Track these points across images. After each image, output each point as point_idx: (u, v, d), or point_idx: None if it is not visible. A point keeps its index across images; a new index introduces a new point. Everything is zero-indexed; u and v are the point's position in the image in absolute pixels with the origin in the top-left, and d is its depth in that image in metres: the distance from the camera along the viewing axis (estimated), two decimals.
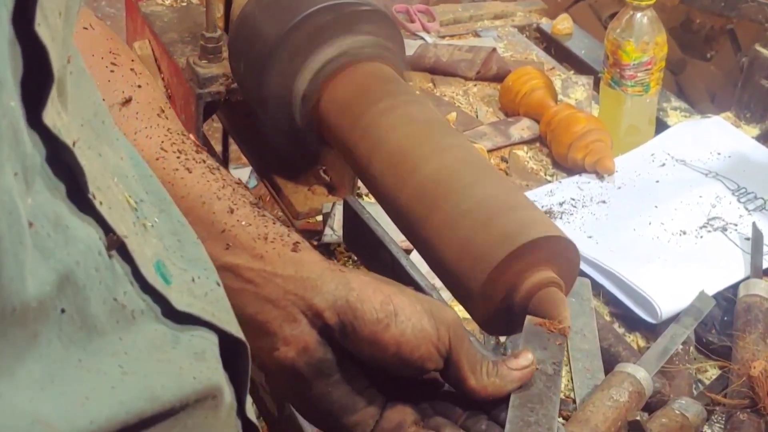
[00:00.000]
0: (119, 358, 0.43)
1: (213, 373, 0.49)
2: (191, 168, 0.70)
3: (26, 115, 0.37)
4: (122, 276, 0.44)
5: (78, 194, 0.42)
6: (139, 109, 0.73)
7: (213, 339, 0.50)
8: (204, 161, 0.71)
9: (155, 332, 0.46)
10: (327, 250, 1.27)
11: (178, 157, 0.71)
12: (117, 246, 0.44)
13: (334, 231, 1.21)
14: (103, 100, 0.52)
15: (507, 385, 0.67)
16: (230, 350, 0.52)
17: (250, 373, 0.54)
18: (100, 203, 0.43)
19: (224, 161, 1.69)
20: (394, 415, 0.66)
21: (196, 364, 0.47)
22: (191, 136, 0.74)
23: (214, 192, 0.69)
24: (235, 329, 0.53)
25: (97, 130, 0.48)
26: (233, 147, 1.68)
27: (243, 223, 0.67)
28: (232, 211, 0.67)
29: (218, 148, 1.74)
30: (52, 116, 0.39)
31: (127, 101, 0.72)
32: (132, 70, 0.76)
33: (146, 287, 0.46)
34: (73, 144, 0.41)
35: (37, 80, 0.37)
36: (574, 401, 1.04)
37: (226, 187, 0.69)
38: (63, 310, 0.40)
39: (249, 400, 0.55)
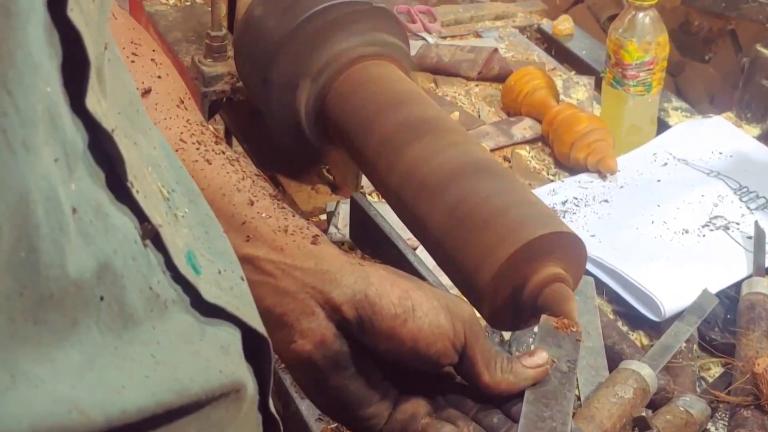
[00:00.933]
0: (152, 347, 0.43)
1: (237, 367, 0.49)
2: (211, 159, 0.70)
3: (69, 101, 0.37)
4: (156, 265, 0.44)
5: (116, 182, 0.42)
6: (158, 100, 0.73)
7: (236, 333, 0.50)
8: (223, 152, 0.71)
9: (185, 323, 0.46)
10: None
11: (198, 149, 0.70)
12: (152, 235, 0.44)
13: (339, 229, 1.21)
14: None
15: (521, 383, 0.67)
16: (253, 345, 0.52)
17: (273, 368, 0.54)
18: (137, 192, 0.43)
19: None
20: (408, 407, 0.67)
21: (222, 358, 0.47)
22: (210, 127, 0.74)
23: (234, 184, 0.68)
24: (258, 325, 0.53)
25: (132, 118, 0.48)
26: (236, 147, 1.68)
27: (263, 215, 0.67)
28: (252, 203, 0.67)
29: None
30: (93, 103, 0.39)
31: (147, 92, 0.72)
32: (153, 60, 0.75)
33: (177, 277, 0.46)
34: (112, 131, 0.41)
35: (77, 66, 0.37)
36: (579, 398, 1.05)
37: (245, 179, 0.69)
38: (102, 298, 0.40)
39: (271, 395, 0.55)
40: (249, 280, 0.59)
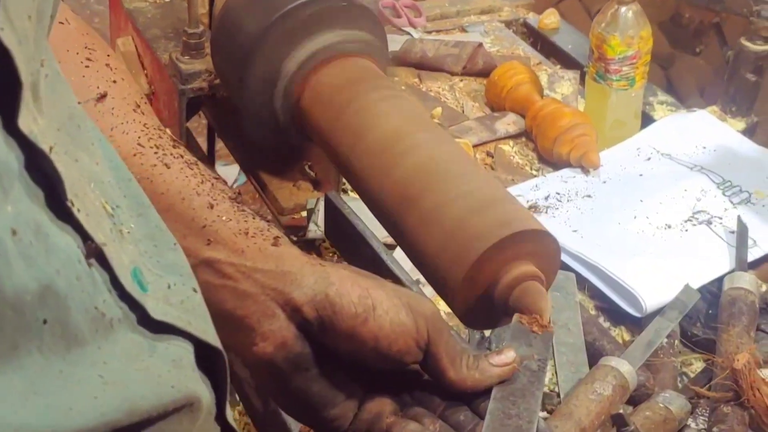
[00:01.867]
0: (99, 367, 0.42)
1: (190, 380, 0.48)
2: (169, 164, 0.69)
3: (2, 121, 0.36)
4: (101, 284, 0.43)
5: (56, 202, 0.41)
6: (114, 105, 0.72)
7: (188, 347, 0.49)
8: (182, 156, 0.71)
9: (132, 341, 0.46)
10: (311, 246, 1.27)
11: (156, 153, 0.70)
12: (96, 254, 0.43)
13: (318, 227, 1.21)
14: (78, 102, 0.51)
15: (486, 380, 0.67)
16: (209, 357, 0.52)
17: (228, 379, 0.53)
18: (78, 210, 0.42)
19: (210, 157, 1.69)
20: (373, 406, 0.66)
21: (174, 372, 0.47)
22: (168, 130, 0.74)
23: (194, 188, 0.68)
24: (212, 338, 0.52)
25: (73, 134, 0.47)
26: (220, 144, 1.67)
27: (223, 218, 0.67)
28: (212, 207, 0.67)
29: (204, 144, 1.74)
30: (27, 122, 0.38)
31: (102, 97, 0.72)
32: (107, 65, 0.75)
33: (123, 295, 0.45)
34: (50, 150, 0.40)
35: (7, 85, 0.36)
36: (558, 395, 1.04)
37: (205, 182, 0.69)
38: (45, 321, 0.39)
39: (228, 406, 0.55)
40: (210, 284, 0.59)
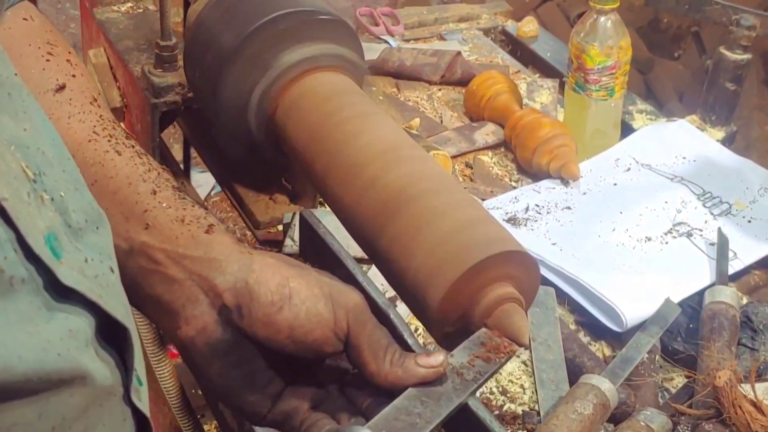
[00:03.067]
0: None
1: (82, 354, 0.49)
2: (121, 151, 0.73)
3: None
4: (5, 241, 0.44)
5: None
6: (72, 96, 0.76)
7: (89, 322, 0.50)
8: (133, 146, 0.74)
9: (31, 304, 0.46)
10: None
11: (109, 141, 0.74)
12: None
13: (294, 242, 1.18)
14: (15, 74, 0.53)
15: (409, 379, 0.67)
16: (118, 336, 0.53)
17: (135, 359, 0.55)
18: None
19: (186, 166, 1.66)
20: (292, 398, 0.68)
21: (66, 342, 0.48)
22: (122, 124, 0.78)
23: (140, 174, 0.72)
24: (121, 315, 0.53)
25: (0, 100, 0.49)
26: (194, 156, 1.65)
27: (164, 205, 0.70)
28: (154, 193, 0.70)
29: (180, 152, 1.72)
30: None
31: (61, 88, 0.76)
32: (68, 61, 0.79)
33: (31, 257, 0.46)
34: None
35: None
36: (539, 413, 1.03)
37: (151, 171, 0.73)
38: None
39: (142, 388, 0.56)
40: (143, 269, 0.65)
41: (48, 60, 0.78)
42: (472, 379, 0.68)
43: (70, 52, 0.81)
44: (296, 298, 0.65)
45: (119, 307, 0.54)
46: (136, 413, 0.56)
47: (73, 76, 0.78)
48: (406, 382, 0.67)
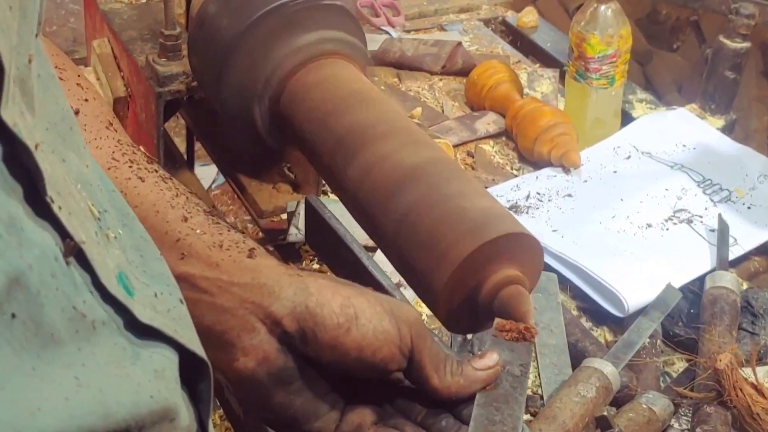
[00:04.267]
0: (76, 369, 0.41)
1: (171, 393, 0.47)
2: (144, 177, 0.69)
3: None
4: (81, 284, 0.43)
5: (36, 198, 0.40)
6: (87, 122, 0.72)
7: (173, 357, 0.49)
8: (156, 171, 0.70)
9: (115, 345, 0.44)
10: (292, 250, 1.26)
11: (130, 167, 0.70)
12: (74, 252, 0.42)
13: (299, 230, 1.19)
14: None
15: (471, 385, 0.66)
16: (192, 370, 0.51)
17: (212, 395, 0.52)
18: (59, 208, 0.41)
19: (189, 158, 1.67)
20: (354, 417, 0.66)
21: (155, 383, 0.46)
22: (141, 148, 0.73)
23: (168, 200, 0.68)
24: (197, 348, 0.51)
25: (64, 135, 0.47)
26: (199, 144, 1.66)
27: (198, 231, 0.66)
28: (186, 220, 0.66)
29: (183, 144, 1.72)
30: (12, 114, 0.38)
31: (75, 113, 0.70)
32: (78, 84, 0.75)
33: (107, 298, 0.44)
34: (36, 147, 0.39)
35: None
36: (542, 397, 1.04)
37: (179, 195, 0.69)
38: (14, 315, 0.38)
39: (210, 423, 0.54)
40: (186, 299, 0.57)
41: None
42: (522, 374, 0.68)
43: (79, 75, 0.77)
44: (362, 317, 0.63)
45: (194, 340, 0.51)
46: None
47: (86, 100, 0.74)
48: (469, 390, 0.66)
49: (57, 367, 0.40)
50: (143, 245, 0.53)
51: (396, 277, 0.88)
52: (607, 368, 1.01)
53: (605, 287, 1.15)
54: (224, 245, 0.65)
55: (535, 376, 1.07)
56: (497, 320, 0.73)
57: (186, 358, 0.50)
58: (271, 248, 1.23)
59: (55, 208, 0.41)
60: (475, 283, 0.78)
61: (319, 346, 0.62)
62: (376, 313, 0.63)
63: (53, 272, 0.40)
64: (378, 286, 0.82)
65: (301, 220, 1.20)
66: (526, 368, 0.68)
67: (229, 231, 0.67)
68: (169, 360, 0.48)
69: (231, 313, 0.63)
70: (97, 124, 0.72)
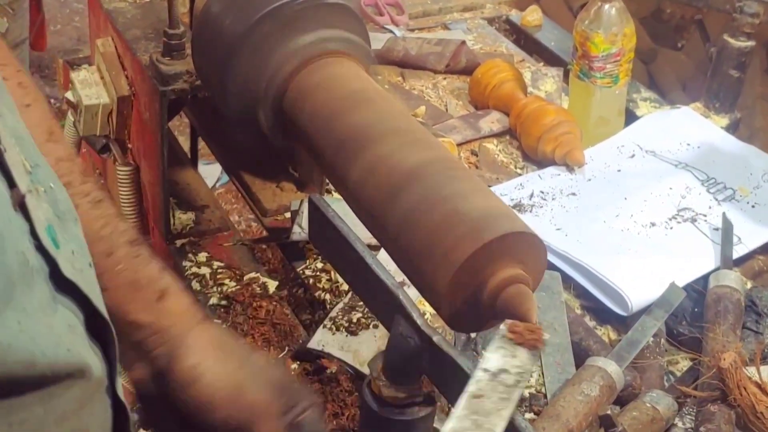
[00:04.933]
0: (19, 313, 0.44)
1: (83, 348, 0.50)
2: (77, 204, 0.69)
3: None
4: (25, 232, 0.46)
5: None
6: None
7: (80, 316, 0.52)
8: (88, 194, 0.72)
9: (45, 293, 0.48)
10: (296, 248, 1.26)
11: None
12: (20, 201, 0.46)
13: (302, 229, 1.19)
14: None
15: None
16: (98, 331, 0.55)
17: (117, 352, 0.57)
18: (8, 159, 0.45)
19: (193, 157, 1.67)
20: None
21: (70, 336, 0.49)
22: (78, 160, 0.75)
23: (96, 232, 0.71)
24: (103, 309, 0.55)
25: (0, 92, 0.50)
26: (203, 142, 1.66)
27: (118, 268, 0.72)
28: (109, 255, 0.71)
29: (187, 143, 1.72)
30: None
31: None
32: (20, 84, 0.73)
33: (39, 248, 0.48)
34: None
35: None
36: (545, 396, 1.04)
37: (107, 226, 0.73)
38: None
39: (119, 377, 0.59)
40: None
41: None
42: (515, 383, 0.68)
43: (19, 71, 0.74)
44: (207, 379, 0.71)
45: (101, 304, 0.56)
46: (114, 403, 0.58)
47: (27, 105, 0.72)
48: None
49: (9, 309, 0.43)
50: (64, 205, 0.57)
51: (400, 275, 0.88)
52: (611, 367, 1.01)
53: (609, 286, 1.15)
54: (141, 282, 0.72)
55: (539, 375, 1.07)
56: (509, 321, 0.73)
57: (89, 321, 0.54)
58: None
59: (6, 158, 0.44)
60: (478, 283, 0.78)
61: (170, 390, 0.72)
62: (221, 381, 0.71)
63: (9, 218, 0.44)
64: (381, 285, 0.82)
65: (304, 218, 1.20)
66: (523, 376, 0.68)
67: (147, 266, 0.73)
68: (77, 318, 0.52)
69: (128, 341, 0.72)
70: (37, 137, 0.69)
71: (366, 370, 1.04)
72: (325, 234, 0.90)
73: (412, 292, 0.88)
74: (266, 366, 0.76)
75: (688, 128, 1.46)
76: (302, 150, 1.07)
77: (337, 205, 0.97)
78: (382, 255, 0.93)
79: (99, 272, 0.68)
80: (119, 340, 0.68)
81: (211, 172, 2.46)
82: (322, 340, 1.08)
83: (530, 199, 1.30)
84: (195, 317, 0.74)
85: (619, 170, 1.37)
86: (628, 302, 1.13)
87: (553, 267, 1.19)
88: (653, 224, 1.26)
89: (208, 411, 0.71)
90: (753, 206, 1.30)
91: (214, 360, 0.72)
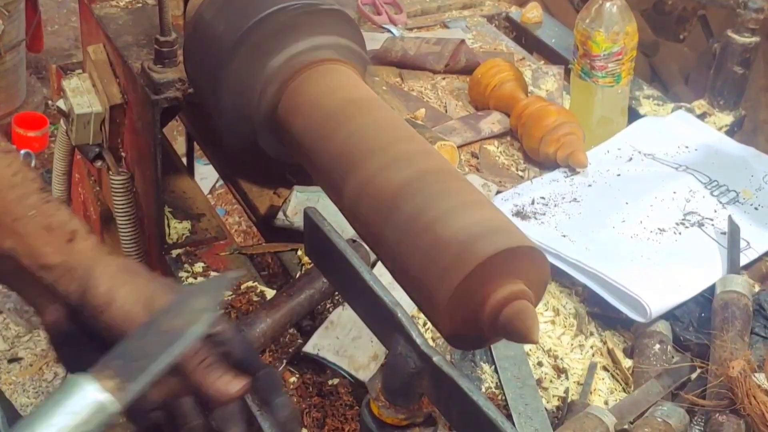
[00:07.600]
0: None
1: None
2: None
3: None
4: None
5: None
6: None
7: None
8: None
9: None
10: (282, 235, 1.24)
11: None
12: None
13: (287, 217, 1.19)
14: None
15: None
16: None
17: None
18: None
19: (189, 165, 1.65)
20: None
21: None
22: None
23: (8, 179, 0.77)
24: None
25: None
26: (197, 152, 1.64)
27: (31, 213, 0.76)
28: (21, 201, 0.76)
29: (182, 148, 1.70)
30: None
31: None
32: None
33: None
34: None
35: None
36: (510, 417, 1.01)
37: (17, 174, 0.77)
38: None
39: None
40: (10, 270, 0.75)
41: None
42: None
43: None
44: (118, 303, 0.74)
45: None
46: None
47: None
48: None
49: None
50: None
51: (396, 290, 0.85)
52: (608, 418, 0.97)
53: (625, 293, 1.12)
54: (52, 226, 0.77)
55: (500, 392, 1.04)
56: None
57: None
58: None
59: None
60: (477, 302, 0.76)
61: (87, 319, 0.75)
62: (133, 296, 0.74)
63: None
64: (379, 302, 0.79)
65: (290, 207, 1.19)
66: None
67: (58, 210, 0.78)
68: None
69: (40, 283, 0.76)
70: None
71: (361, 376, 1.02)
72: (322, 249, 0.87)
73: (408, 305, 0.86)
74: (172, 282, 0.79)
75: (685, 131, 1.43)
76: (297, 158, 1.04)
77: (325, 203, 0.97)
78: (380, 269, 0.91)
79: (12, 219, 0.76)
80: (32, 287, 0.76)
81: (209, 172, 2.44)
82: (318, 344, 1.06)
83: (532, 205, 1.27)
84: (102, 251, 0.78)
85: (618, 174, 1.34)
86: (647, 309, 1.10)
87: (563, 274, 1.16)
88: (662, 230, 1.23)
89: (128, 327, 0.73)
90: (756, 208, 1.28)
91: (123, 281, 0.75)
